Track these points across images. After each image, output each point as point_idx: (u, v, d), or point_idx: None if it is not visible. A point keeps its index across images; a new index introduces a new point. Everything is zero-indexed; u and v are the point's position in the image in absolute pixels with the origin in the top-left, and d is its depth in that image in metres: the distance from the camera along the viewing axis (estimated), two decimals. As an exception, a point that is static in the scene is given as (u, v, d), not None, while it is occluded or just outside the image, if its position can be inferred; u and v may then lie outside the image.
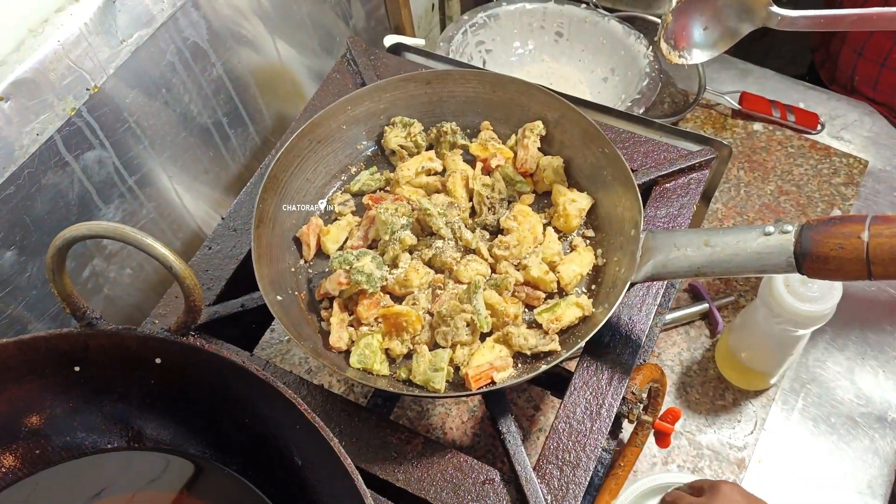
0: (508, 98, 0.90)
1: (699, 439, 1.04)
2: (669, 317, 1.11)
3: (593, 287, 0.81)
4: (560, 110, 0.87)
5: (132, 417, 0.69)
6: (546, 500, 0.70)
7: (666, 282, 0.83)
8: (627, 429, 0.98)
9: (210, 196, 1.09)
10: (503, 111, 0.91)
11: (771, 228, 0.66)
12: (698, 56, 0.84)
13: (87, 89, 0.79)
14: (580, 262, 0.81)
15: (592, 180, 0.85)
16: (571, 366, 0.81)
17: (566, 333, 0.77)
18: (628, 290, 0.73)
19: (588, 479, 0.71)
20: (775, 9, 0.77)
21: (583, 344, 0.74)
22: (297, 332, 0.75)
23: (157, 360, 0.66)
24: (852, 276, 0.61)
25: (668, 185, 0.87)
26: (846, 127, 1.32)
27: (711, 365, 1.09)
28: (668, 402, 1.06)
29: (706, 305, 1.12)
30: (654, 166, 0.88)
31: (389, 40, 1.04)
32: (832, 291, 0.88)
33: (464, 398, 0.77)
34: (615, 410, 0.74)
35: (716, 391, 1.07)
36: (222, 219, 0.89)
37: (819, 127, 1.30)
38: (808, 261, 0.63)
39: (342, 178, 0.90)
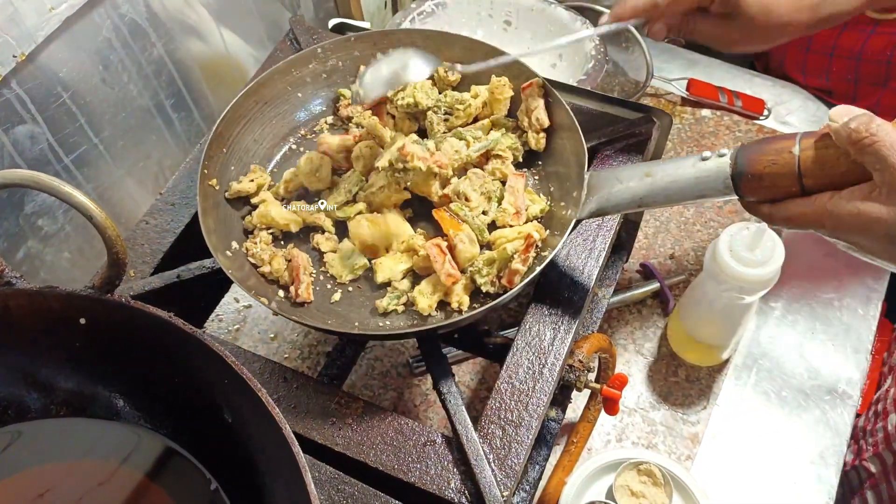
0: (456, 56, 0.89)
1: (652, 416, 1.03)
2: (621, 296, 1.11)
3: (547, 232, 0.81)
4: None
5: (58, 382, 0.66)
6: (489, 458, 0.68)
7: (607, 245, 0.82)
8: (580, 405, 0.97)
9: (154, 181, 1.07)
10: None
11: (708, 154, 0.67)
12: None
13: (14, 56, 0.78)
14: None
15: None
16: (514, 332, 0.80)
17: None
18: (574, 227, 0.74)
19: (531, 437, 0.69)
20: None
21: (539, 270, 0.73)
22: (247, 284, 0.75)
23: (82, 321, 0.64)
24: (785, 190, 0.62)
25: (608, 151, 0.87)
26: (791, 112, 1.34)
27: (664, 343, 1.09)
28: (621, 378, 1.05)
29: (657, 284, 1.12)
30: (595, 132, 0.88)
31: (333, 21, 1.03)
32: (774, 255, 0.88)
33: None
34: (558, 369, 0.73)
35: (669, 368, 1.07)
36: (160, 194, 0.87)
37: (766, 112, 1.32)
38: (744, 180, 0.64)
39: (290, 140, 0.89)
